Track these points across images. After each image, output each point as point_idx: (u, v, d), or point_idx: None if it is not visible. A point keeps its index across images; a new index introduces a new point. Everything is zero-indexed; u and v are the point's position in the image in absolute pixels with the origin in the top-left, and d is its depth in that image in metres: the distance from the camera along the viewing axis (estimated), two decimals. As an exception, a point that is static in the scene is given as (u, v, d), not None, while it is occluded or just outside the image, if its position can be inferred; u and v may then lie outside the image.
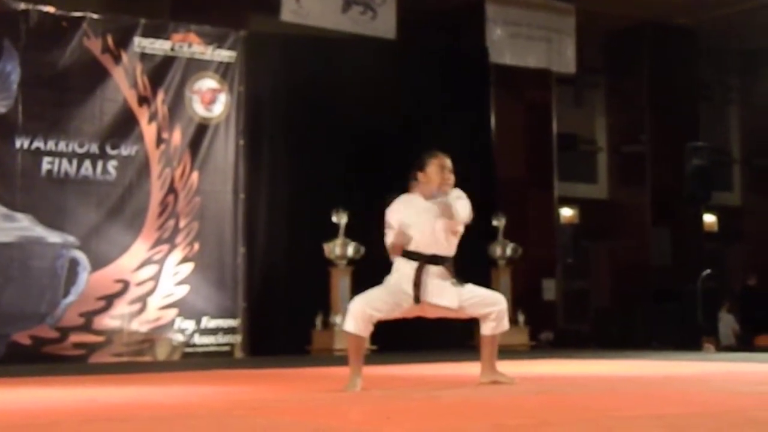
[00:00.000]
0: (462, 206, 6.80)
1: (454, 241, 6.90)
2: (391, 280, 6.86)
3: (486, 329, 6.92)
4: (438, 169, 6.89)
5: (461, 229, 6.90)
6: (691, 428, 4.44)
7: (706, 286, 14.57)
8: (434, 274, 6.80)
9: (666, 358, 11.23)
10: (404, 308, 6.94)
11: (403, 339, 13.39)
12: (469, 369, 7.63)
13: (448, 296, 6.85)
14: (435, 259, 6.80)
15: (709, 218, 19.05)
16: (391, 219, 6.94)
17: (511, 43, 15.89)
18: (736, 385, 7.15)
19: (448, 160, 6.95)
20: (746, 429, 4.40)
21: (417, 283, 6.77)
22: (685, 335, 14.39)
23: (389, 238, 6.90)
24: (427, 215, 6.83)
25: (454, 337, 13.59)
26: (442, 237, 6.83)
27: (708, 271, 14.72)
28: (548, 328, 15.94)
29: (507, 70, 15.99)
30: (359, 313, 6.75)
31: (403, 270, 6.81)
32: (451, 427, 4.69)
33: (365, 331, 6.84)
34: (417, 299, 6.81)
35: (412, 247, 6.80)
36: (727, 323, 16.37)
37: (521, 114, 16.44)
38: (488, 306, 6.88)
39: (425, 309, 6.99)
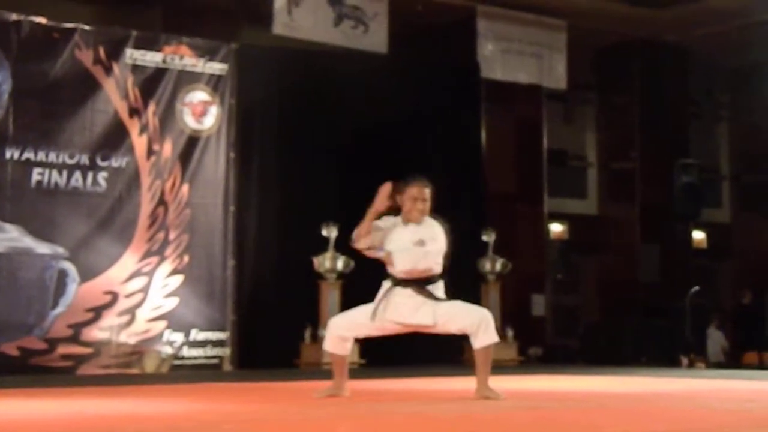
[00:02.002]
0: (411, 254, 7.01)
1: (436, 261, 7.05)
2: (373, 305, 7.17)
3: (475, 343, 7.01)
4: (410, 200, 7.12)
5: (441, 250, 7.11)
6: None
7: (695, 303, 14.60)
8: (406, 295, 7.04)
9: (654, 374, 11.24)
10: (375, 326, 7.19)
11: (393, 353, 13.42)
12: (458, 384, 7.64)
13: (421, 314, 7.07)
14: (409, 281, 7.03)
15: (698, 235, 19.07)
16: (380, 222, 7.16)
17: (502, 59, 15.94)
18: (723, 402, 7.16)
19: (426, 189, 7.16)
20: (733, 446, 4.41)
21: (378, 304, 7.08)
22: (673, 351, 14.42)
23: (362, 229, 7.14)
24: (403, 237, 7.09)
25: (444, 352, 13.59)
26: (418, 258, 7.02)
27: (697, 287, 14.75)
28: (537, 344, 15.95)
29: (498, 85, 16.03)
30: (332, 333, 7.14)
31: (381, 290, 7.13)
32: (439, 443, 4.69)
33: (340, 349, 7.16)
34: (372, 317, 7.08)
35: (390, 269, 7.12)
36: (716, 340, 16.40)
37: (511, 129, 16.48)
38: (467, 318, 6.97)
39: (401, 328, 7.23)
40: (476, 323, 6.96)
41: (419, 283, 7.04)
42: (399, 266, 7.05)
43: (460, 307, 7.10)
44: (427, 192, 7.15)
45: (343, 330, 7.14)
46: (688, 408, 6.63)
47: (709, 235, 19.50)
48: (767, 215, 18.87)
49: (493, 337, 6.97)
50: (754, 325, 15.43)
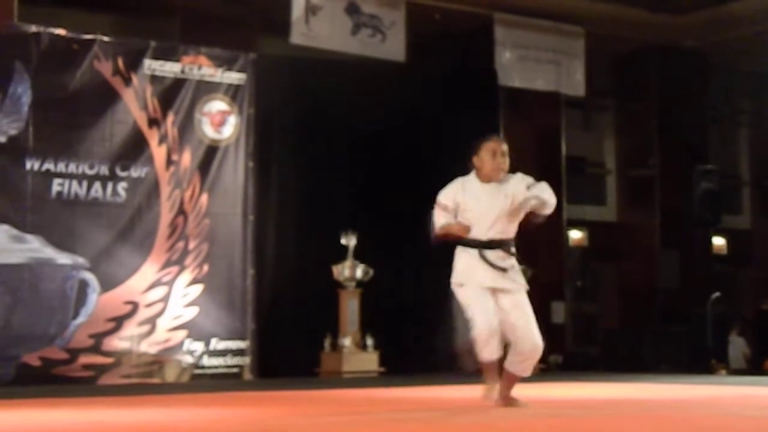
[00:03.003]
0: (541, 190, 6.72)
1: (514, 224, 6.86)
2: (460, 278, 6.81)
3: (508, 363, 6.78)
4: (489, 154, 6.81)
5: (521, 213, 6.84)
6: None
7: (716, 309, 14.54)
8: (495, 258, 6.75)
9: (675, 381, 11.20)
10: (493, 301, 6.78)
11: (412, 362, 13.44)
12: (478, 392, 7.60)
13: (510, 279, 6.87)
14: (493, 244, 6.75)
15: (718, 241, 19.01)
16: (445, 200, 6.86)
17: (520, 66, 15.93)
18: (744, 409, 7.13)
19: (503, 144, 6.84)
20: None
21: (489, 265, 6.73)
22: (694, 358, 14.36)
23: (440, 219, 6.81)
24: (484, 199, 6.78)
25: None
26: (502, 221, 6.77)
27: (717, 294, 14.70)
28: (557, 351, 15.91)
29: (516, 92, 16.02)
30: (484, 338, 6.59)
31: (465, 261, 6.78)
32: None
33: (497, 351, 6.65)
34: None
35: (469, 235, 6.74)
36: (738, 347, 16.32)
37: (530, 137, 16.44)
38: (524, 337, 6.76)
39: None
40: (524, 355, 6.75)
41: (505, 246, 6.83)
42: (481, 232, 6.75)
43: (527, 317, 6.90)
44: (505, 146, 6.84)
45: (492, 323, 6.62)
46: (709, 415, 6.61)
47: (729, 241, 19.43)
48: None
49: (524, 371, 6.75)
50: (775, 332, 15.36)
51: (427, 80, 14.93)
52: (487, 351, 6.58)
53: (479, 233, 6.77)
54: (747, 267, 19.83)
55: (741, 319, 17.03)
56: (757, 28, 16.47)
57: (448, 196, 6.88)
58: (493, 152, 6.78)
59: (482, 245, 6.75)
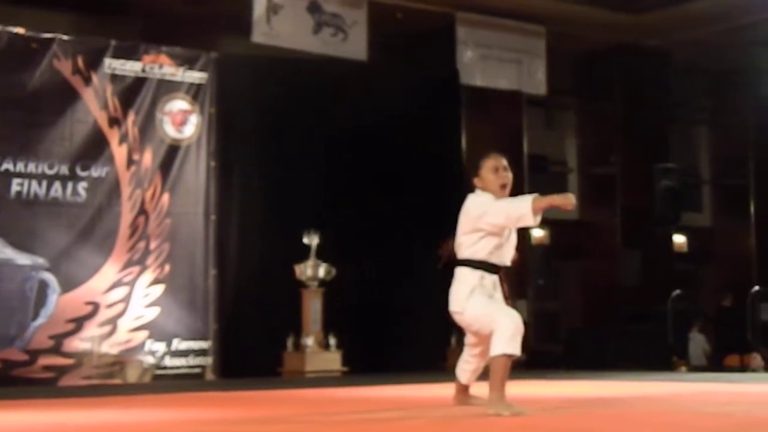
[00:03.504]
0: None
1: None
2: (469, 290, 6.41)
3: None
4: (491, 171, 6.50)
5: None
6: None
7: (677, 307, 14.64)
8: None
9: (636, 378, 11.26)
10: None
11: (376, 361, 13.43)
12: (443, 391, 7.61)
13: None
14: (497, 270, 6.47)
15: (679, 239, 19.15)
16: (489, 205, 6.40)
17: (482, 65, 15.96)
18: (704, 405, 7.18)
19: (503, 159, 6.55)
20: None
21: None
22: (655, 355, 14.44)
23: (522, 200, 6.24)
24: None
25: (427, 359, 13.62)
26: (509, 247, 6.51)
27: (678, 291, 14.80)
28: (522, 350, 15.92)
29: (478, 91, 16.05)
30: (520, 329, 6.23)
31: (474, 280, 6.40)
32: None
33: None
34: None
35: (480, 256, 6.42)
36: (698, 343, 16.43)
37: (492, 135, 16.45)
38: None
39: None
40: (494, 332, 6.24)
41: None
42: (496, 256, 6.42)
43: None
44: (505, 161, 6.51)
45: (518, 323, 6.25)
46: (669, 411, 6.64)
47: (690, 239, 19.57)
48: (747, 219, 18.96)
49: (505, 348, 6.18)
50: (736, 328, 15.47)
51: (389, 79, 14.91)
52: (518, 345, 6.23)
53: (505, 258, 6.51)
54: (707, 264, 19.98)
55: (702, 316, 17.16)
56: (717, 28, 16.59)
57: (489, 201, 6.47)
58: (495, 169, 6.50)
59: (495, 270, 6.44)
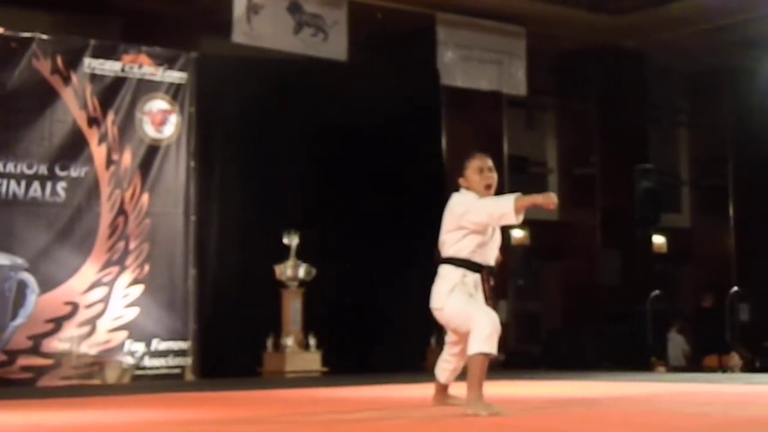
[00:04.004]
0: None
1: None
2: (450, 287, 6.45)
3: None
4: (476, 171, 6.56)
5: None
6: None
7: (656, 307, 14.69)
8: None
9: (615, 378, 11.30)
10: None
11: (355, 362, 13.44)
12: (421, 391, 7.63)
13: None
14: (479, 269, 6.53)
15: (658, 239, 19.22)
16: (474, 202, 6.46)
17: (462, 66, 15.97)
18: (682, 405, 7.21)
19: (488, 159, 6.61)
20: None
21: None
22: (635, 356, 14.49)
23: (504, 199, 6.31)
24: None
25: (407, 359, 13.62)
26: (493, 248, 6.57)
27: (657, 292, 14.85)
28: (499, 350, 15.91)
29: (458, 92, 16.07)
30: (497, 329, 6.32)
31: (456, 278, 6.45)
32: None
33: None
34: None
35: (463, 254, 6.47)
36: (677, 344, 16.50)
37: (472, 136, 16.49)
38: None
39: None
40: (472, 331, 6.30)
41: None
42: (479, 255, 6.47)
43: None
44: (490, 161, 6.58)
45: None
46: (647, 412, 6.67)
47: (669, 239, 19.65)
48: (726, 219, 19.04)
49: (482, 347, 6.26)
50: (715, 329, 15.54)
51: (370, 80, 14.91)
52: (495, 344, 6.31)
53: (488, 257, 6.56)
54: (686, 265, 20.06)
55: (681, 316, 17.24)
56: (695, 29, 16.66)
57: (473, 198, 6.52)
58: (479, 169, 6.55)
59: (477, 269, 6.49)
